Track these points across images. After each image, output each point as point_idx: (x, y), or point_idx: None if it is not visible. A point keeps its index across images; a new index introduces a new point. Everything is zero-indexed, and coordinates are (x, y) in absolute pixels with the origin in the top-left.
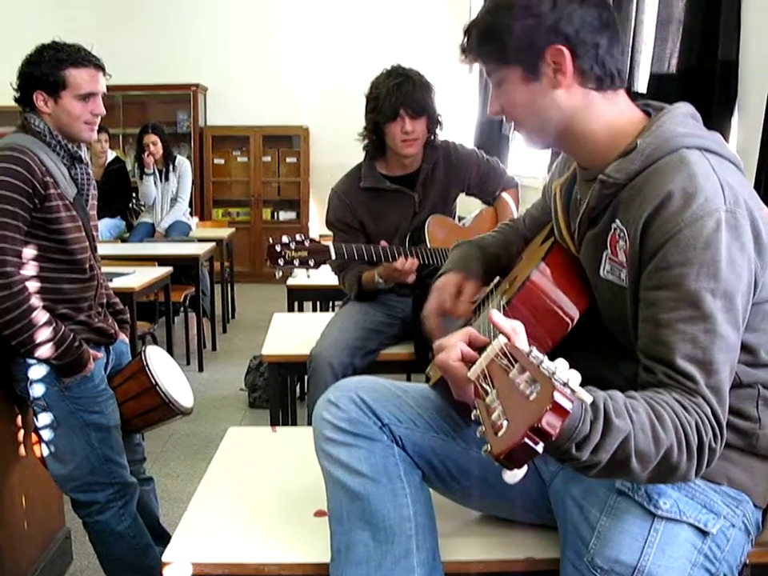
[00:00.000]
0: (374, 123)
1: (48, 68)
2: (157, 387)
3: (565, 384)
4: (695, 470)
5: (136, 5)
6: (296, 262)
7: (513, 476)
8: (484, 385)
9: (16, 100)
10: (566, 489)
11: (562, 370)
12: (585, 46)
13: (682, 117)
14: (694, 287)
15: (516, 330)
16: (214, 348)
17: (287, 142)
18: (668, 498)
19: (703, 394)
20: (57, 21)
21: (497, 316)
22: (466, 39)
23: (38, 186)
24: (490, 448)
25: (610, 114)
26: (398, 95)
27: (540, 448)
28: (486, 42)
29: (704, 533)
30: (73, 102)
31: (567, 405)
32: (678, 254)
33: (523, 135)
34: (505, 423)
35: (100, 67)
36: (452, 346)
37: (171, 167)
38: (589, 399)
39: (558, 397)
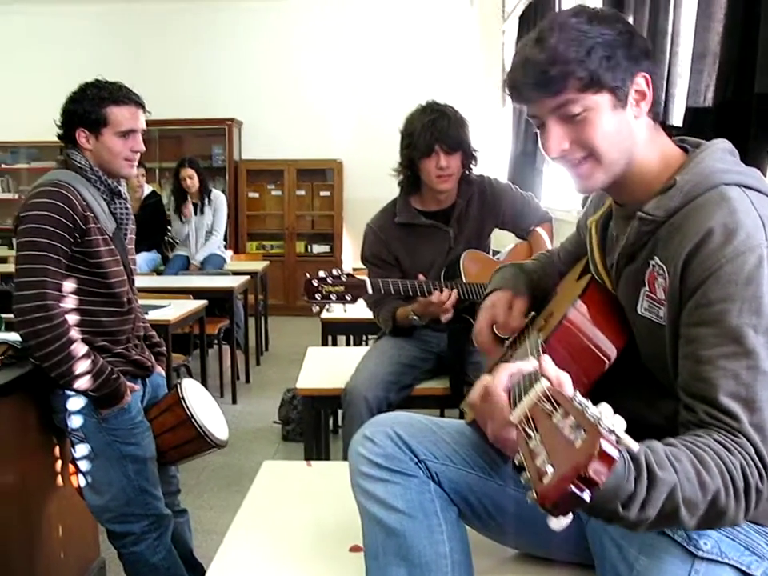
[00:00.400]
0: (409, 159)
1: (90, 106)
2: (192, 420)
3: (611, 431)
4: (743, 512)
5: (172, 42)
6: (333, 297)
7: (558, 523)
8: (527, 429)
9: (59, 136)
10: (604, 527)
11: (607, 416)
12: (655, 74)
13: (721, 153)
14: (735, 323)
15: (561, 381)
16: (247, 380)
17: (321, 175)
18: (708, 539)
19: (746, 433)
20: (95, 60)
21: (548, 363)
22: (531, 72)
23: (78, 220)
24: (535, 495)
25: (661, 145)
26: (432, 131)
27: (587, 496)
28: (574, 68)
29: (747, 575)
30: (113, 138)
31: (614, 453)
32: (719, 290)
33: (586, 174)
34: (550, 469)
35: (140, 105)
36: (500, 372)
37: (207, 201)
38: (635, 447)
39: (604, 445)
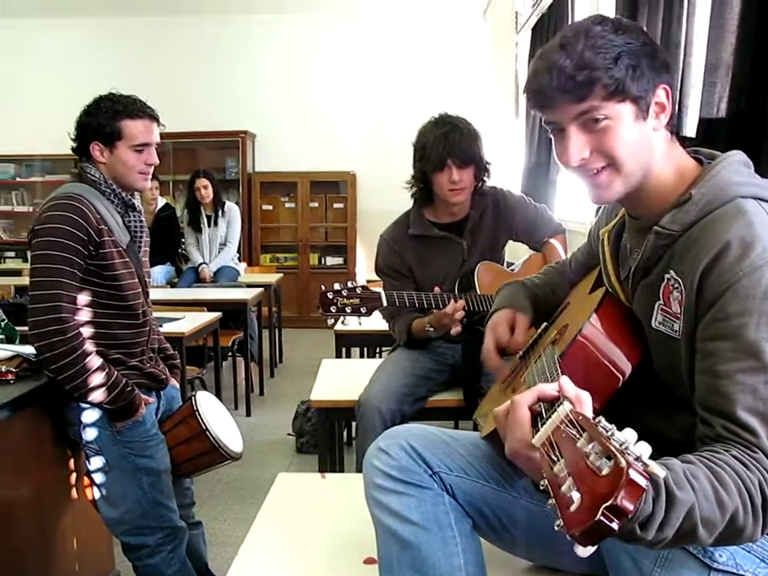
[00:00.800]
0: (422, 172)
1: (105, 119)
2: (207, 432)
3: (637, 458)
4: (761, 529)
5: (186, 55)
6: (348, 310)
7: (586, 551)
8: (551, 454)
9: (73, 149)
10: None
11: (633, 442)
12: (674, 88)
13: (736, 165)
14: (753, 337)
15: (581, 399)
16: (261, 393)
17: (334, 187)
18: (724, 551)
19: (764, 448)
20: (110, 73)
21: (566, 383)
22: (556, 78)
23: (93, 233)
24: (562, 523)
25: (677, 157)
26: (445, 144)
27: (615, 525)
28: (601, 74)
29: None
30: (128, 152)
31: (642, 482)
32: (736, 304)
33: (605, 184)
34: (576, 496)
35: (155, 118)
36: (529, 391)
37: (221, 213)
38: (662, 474)
39: (633, 474)
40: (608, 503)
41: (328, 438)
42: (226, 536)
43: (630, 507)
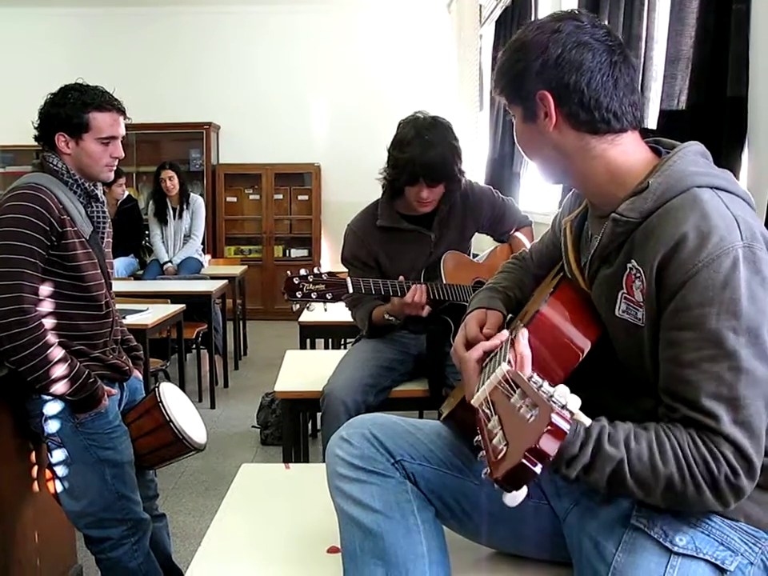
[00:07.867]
0: (393, 177)
1: (72, 110)
2: (170, 423)
3: (563, 406)
4: (717, 502)
5: (149, 46)
6: (313, 296)
7: (513, 498)
8: (486, 411)
9: (36, 138)
10: (581, 524)
11: (561, 394)
12: (569, 91)
13: (693, 155)
14: (714, 327)
15: (523, 360)
16: (226, 385)
17: (299, 179)
18: (684, 535)
19: (724, 432)
20: (71, 63)
21: (522, 342)
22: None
23: (54, 223)
24: (489, 471)
25: (610, 155)
26: (420, 165)
27: (538, 469)
28: (498, 80)
29: (721, 570)
30: (94, 144)
31: (564, 426)
32: (697, 294)
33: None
34: (504, 447)
35: (122, 111)
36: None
37: (185, 205)
38: (587, 422)
39: (555, 418)
40: (530, 446)
41: (292, 429)
42: (190, 528)
43: (552, 450)
